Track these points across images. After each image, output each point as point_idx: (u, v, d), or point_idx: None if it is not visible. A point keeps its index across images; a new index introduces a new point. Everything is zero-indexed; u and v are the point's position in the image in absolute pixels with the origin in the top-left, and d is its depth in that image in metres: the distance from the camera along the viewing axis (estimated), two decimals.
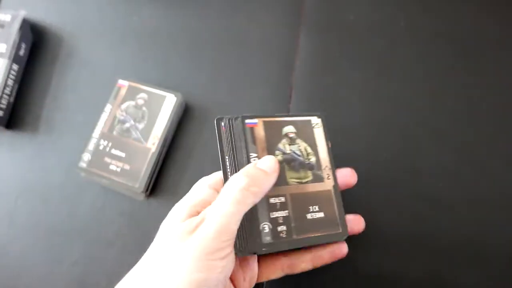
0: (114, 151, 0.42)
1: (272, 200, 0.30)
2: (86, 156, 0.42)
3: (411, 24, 0.45)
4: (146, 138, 0.42)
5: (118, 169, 0.41)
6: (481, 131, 0.40)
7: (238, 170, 0.30)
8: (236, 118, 0.32)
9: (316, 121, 0.34)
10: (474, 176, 0.39)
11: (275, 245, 0.29)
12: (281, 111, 0.43)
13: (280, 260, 0.32)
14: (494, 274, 0.36)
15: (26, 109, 0.48)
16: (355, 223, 0.33)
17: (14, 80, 0.47)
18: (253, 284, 0.32)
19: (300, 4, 0.47)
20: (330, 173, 0.33)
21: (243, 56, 0.46)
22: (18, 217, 0.43)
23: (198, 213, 0.28)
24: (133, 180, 0.41)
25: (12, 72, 0.46)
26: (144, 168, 0.41)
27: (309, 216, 0.31)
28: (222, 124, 0.31)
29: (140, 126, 0.42)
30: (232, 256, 0.27)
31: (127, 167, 0.41)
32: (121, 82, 0.44)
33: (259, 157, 0.31)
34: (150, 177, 0.41)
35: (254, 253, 0.29)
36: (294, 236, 0.30)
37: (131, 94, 0.43)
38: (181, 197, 0.30)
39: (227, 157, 0.31)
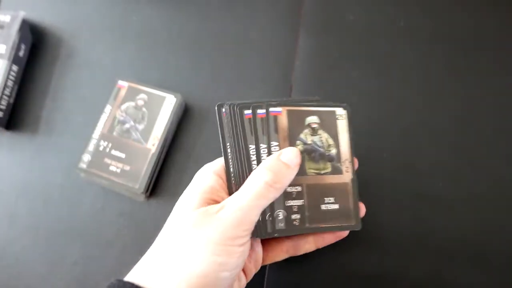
0: (114, 152, 0.42)
1: (288, 189, 0.30)
2: (86, 157, 0.42)
3: (411, 24, 0.45)
4: (146, 139, 0.42)
5: (118, 170, 0.41)
6: (481, 131, 0.40)
7: (240, 158, 0.30)
8: (238, 105, 0.31)
9: (341, 112, 0.33)
10: (474, 176, 0.39)
11: (286, 231, 0.30)
12: None
13: (284, 243, 0.33)
14: (494, 274, 0.36)
15: (26, 110, 0.47)
16: None
17: (14, 81, 0.47)
18: (259, 267, 0.33)
19: (300, 4, 0.47)
20: (350, 166, 0.32)
21: (243, 56, 0.46)
22: (18, 218, 0.43)
23: (210, 200, 0.28)
24: (133, 181, 0.41)
25: (12, 73, 0.46)
26: (144, 169, 0.41)
27: (323, 207, 0.31)
28: (223, 110, 0.31)
29: (140, 127, 0.42)
30: (249, 242, 0.27)
31: (127, 168, 0.41)
32: (120, 83, 0.44)
33: (280, 147, 0.31)
34: (150, 178, 0.41)
35: (266, 237, 0.30)
36: (307, 225, 0.30)
37: (131, 95, 0.43)
38: None
39: (228, 144, 0.30)
